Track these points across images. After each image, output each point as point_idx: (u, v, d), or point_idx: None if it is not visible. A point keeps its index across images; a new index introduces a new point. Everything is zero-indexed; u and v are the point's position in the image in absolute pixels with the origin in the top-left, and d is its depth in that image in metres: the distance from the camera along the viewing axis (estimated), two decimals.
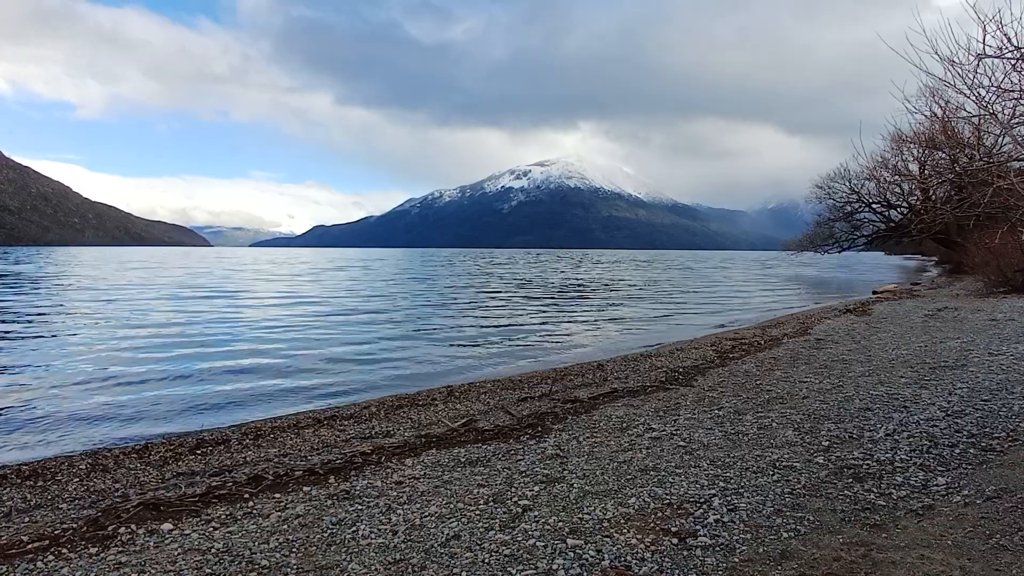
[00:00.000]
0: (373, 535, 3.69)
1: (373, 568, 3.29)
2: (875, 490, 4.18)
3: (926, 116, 10.69)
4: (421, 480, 4.67)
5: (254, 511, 4.17)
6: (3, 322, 16.38)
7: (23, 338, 13.75)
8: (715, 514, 3.84)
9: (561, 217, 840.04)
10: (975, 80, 4.90)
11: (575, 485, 4.42)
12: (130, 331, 14.90)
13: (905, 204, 35.78)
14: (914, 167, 30.77)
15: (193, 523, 4.00)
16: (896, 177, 32.77)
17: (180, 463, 5.68)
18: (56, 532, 3.98)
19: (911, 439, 5.23)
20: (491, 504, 4.11)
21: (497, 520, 3.86)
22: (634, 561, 3.30)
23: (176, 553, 3.53)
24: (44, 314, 18.42)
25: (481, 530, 3.72)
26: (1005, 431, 5.37)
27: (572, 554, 3.38)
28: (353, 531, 3.76)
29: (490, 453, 5.33)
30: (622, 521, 3.79)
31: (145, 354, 11.85)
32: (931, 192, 28.84)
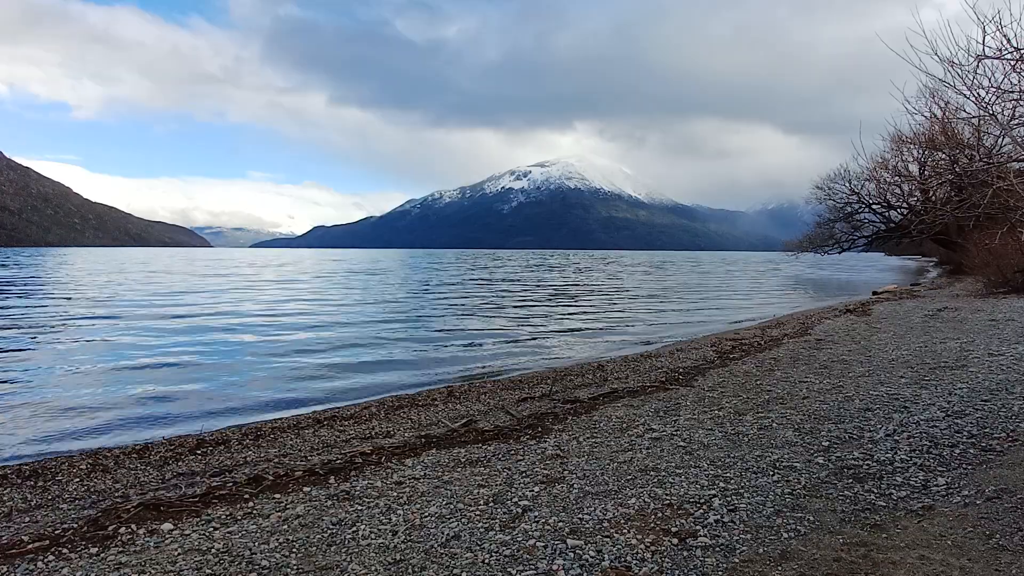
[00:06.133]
0: (373, 535, 3.70)
1: (373, 568, 3.29)
2: (875, 490, 4.18)
3: (926, 117, 10.70)
4: (421, 480, 4.67)
5: (254, 511, 4.17)
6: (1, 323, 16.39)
7: (21, 339, 13.75)
8: (715, 514, 3.84)
9: (561, 218, 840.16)
10: (975, 81, 4.91)
11: (575, 485, 4.42)
12: (130, 333, 14.91)
13: (905, 205, 35.80)
14: (914, 168, 30.82)
15: (193, 523, 3.99)
16: (896, 178, 32.81)
17: (180, 463, 5.68)
18: (56, 532, 3.98)
19: (911, 439, 5.23)
20: (491, 504, 4.11)
21: (497, 520, 3.85)
22: (634, 561, 3.30)
23: (176, 553, 3.53)
24: (40, 316, 18.42)
25: (481, 530, 3.72)
26: (1005, 431, 5.36)
27: (572, 554, 3.38)
28: (353, 531, 3.75)
29: (490, 453, 5.33)
30: (622, 521, 3.79)
31: (145, 355, 11.85)
32: (931, 193, 28.85)
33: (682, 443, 5.35)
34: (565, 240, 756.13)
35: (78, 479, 5.29)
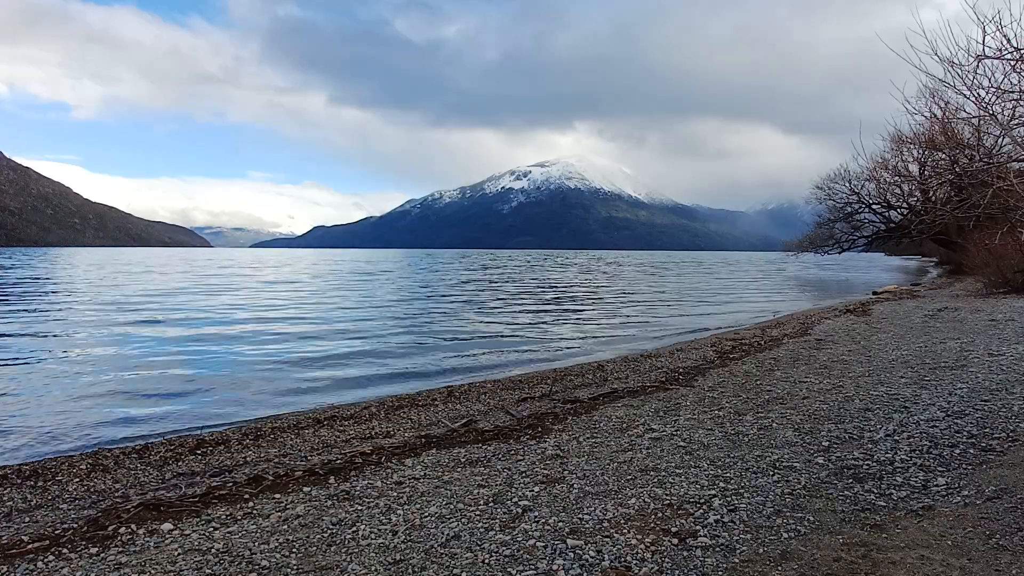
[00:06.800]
0: (373, 535, 3.70)
1: (373, 568, 3.29)
2: (875, 490, 4.18)
3: (926, 117, 10.70)
4: (421, 480, 4.67)
5: (254, 511, 4.17)
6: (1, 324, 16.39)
7: (20, 341, 13.75)
8: (715, 514, 3.84)
9: (561, 218, 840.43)
10: (975, 81, 4.91)
11: (575, 485, 4.42)
12: (129, 334, 14.91)
13: (905, 205, 35.82)
14: (914, 168, 30.85)
15: (193, 523, 4.00)
16: (896, 178, 32.84)
17: (180, 463, 5.69)
18: (56, 532, 3.98)
19: (911, 439, 5.23)
20: (491, 504, 4.11)
21: (497, 520, 3.85)
22: (634, 561, 3.30)
23: (176, 553, 3.53)
24: (39, 317, 18.42)
25: (481, 530, 3.72)
26: (1005, 431, 5.36)
27: (572, 554, 3.38)
28: (353, 531, 3.76)
29: (490, 453, 5.33)
30: (622, 521, 3.79)
31: (144, 356, 11.85)
32: (931, 193, 28.89)
33: (682, 443, 5.35)
34: (565, 240, 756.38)
35: (78, 479, 5.29)
